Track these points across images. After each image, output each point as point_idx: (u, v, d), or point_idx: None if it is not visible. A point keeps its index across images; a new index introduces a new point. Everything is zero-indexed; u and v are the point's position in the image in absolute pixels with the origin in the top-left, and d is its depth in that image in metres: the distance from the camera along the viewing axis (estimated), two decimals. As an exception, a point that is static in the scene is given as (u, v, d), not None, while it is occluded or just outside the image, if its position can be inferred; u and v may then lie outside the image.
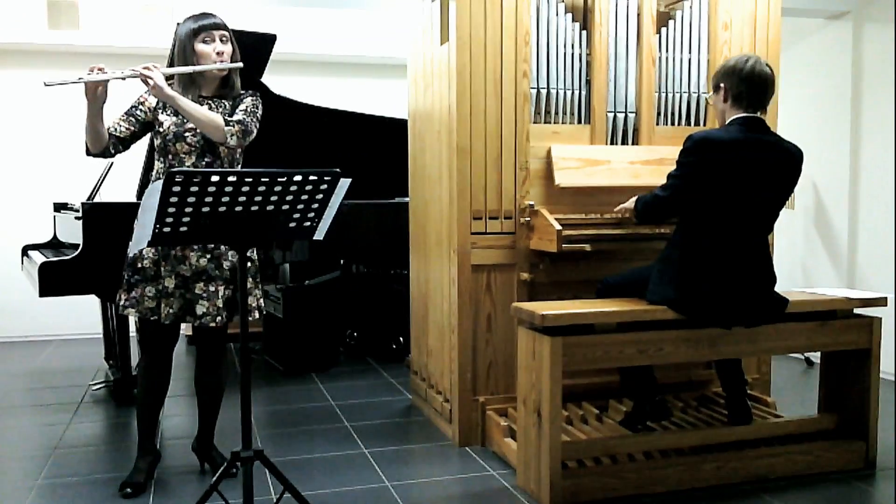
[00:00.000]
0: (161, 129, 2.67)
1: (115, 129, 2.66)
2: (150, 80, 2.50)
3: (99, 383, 4.24)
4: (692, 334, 2.70)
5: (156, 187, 1.94)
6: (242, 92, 2.78)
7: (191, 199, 1.97)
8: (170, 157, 2.68)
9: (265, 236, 2.17)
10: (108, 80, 2.48)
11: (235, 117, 2.66)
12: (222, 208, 2.03)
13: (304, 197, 2.11)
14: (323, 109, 4.83)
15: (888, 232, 4.34)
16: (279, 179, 2.03)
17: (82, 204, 3.57)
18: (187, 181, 1.93)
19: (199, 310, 2.63)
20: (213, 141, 2.64)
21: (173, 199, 1.95)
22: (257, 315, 2.75)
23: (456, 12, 3.08)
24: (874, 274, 4.48)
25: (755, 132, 2.64)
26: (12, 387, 4.47)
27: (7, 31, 5.50)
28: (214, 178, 1.95)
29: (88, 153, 2.66)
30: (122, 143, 2.68)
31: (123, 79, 2.50)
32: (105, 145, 2.62)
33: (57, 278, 3.48)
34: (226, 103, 2.73)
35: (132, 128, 2.69)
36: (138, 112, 2.70)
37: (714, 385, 3.46)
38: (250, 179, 1.99)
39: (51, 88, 2.53)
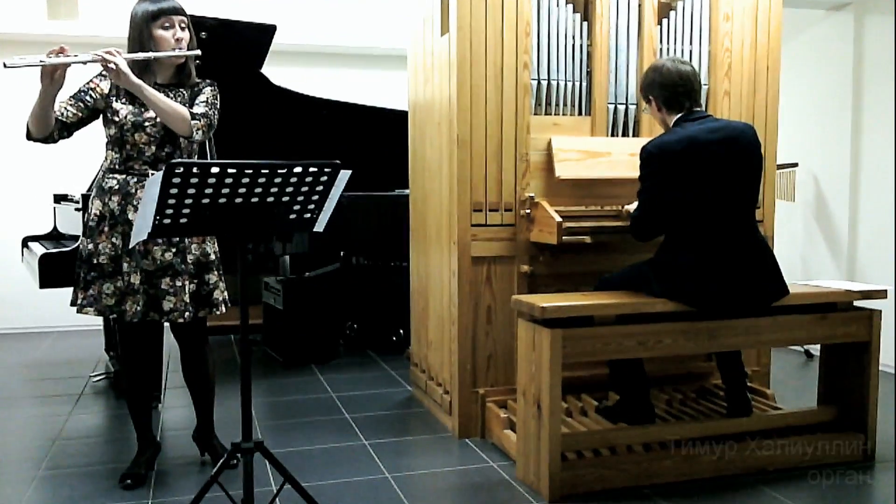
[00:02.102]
0: (116, 118, 2.55)
1: (62, 114, 2.50)
2: (113, 66, 2.38)
3: (99, 375, 4.24)
4: (692, 326, 2.70)
5: (156, 178, 1.93)
6: (198, 81, 2.68)
7: (191, 191, 1.97)
8: (127, 147, 2.57)
9: (265, 228, 2.16)
10: (69, 64, 2.35)
11: (198, 110, 2.57)
12: (222, 200, 2.02)
13: (305, 189, 2.11)
14: (323, 101, 4.83)
15: (888, 224, 4.34)
16: (279, 171, 2.02)
17: (82, 195, 3.57)
18: (187, 172, 1.92)
19: (167, 305, 2.56)
20: (172, 131, 2.56)
21: (173, 191, 1.95)
22: (224, 309, 2.70)
23: (457, 3, 3.06)
24: (874, 266, 4.48)
25: (701, 123, 2.72)
26: (13, 378, 4.48)
27: (6, 21, 5.47)
28: (214, 170, 1.95)
29: (30, 138, 2.51)
30: (67, 129, 2.54)
31: (85, 63, 2.38)
32: (50, 130, 2.49)
33: (57, 270, 3.47)
34: (183, 92, 2.64)
35: (80, 113, 2.54)
36: (87, 97, 2.55)
37: (714, 377, 3.47)
38: (250, 171, 1.98)
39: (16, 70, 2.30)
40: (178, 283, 2.58)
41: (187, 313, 2.59)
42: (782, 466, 2.82)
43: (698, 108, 2.79)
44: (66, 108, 2.52)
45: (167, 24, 2.55)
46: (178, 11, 2.58)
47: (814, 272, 4.87)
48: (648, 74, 2.84)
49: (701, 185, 2.65)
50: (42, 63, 2.29)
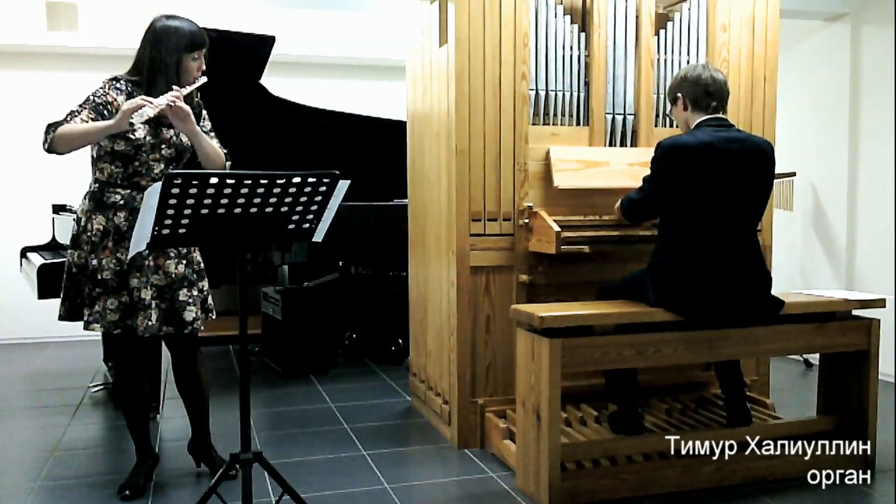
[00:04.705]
0: (132, 137, 2.53)
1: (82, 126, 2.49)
2: (183, 114, 2.47)
3: (98, 385, 4.23)
4: (690, 336, 2.70)
5: (154, 189, 1.93)
6: (197, 101, 2.74)
7: (190, 201, 1.97)
8: (136, 164, 2.57)
9: (264, 238, 2.17)
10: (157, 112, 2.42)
11: (217, 143, 2.69)
12: (221, 210, 2.02)
13: (303, 199, 2.11)
14: (322, 111, 4.84)
15: (887, 233, 4.34)
16: (278, 181, 2.03)
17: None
18: (186, 183, 1.92)
19: (189, 316, 2.60)
20: (182, 152, 2.64)
21: (172, 201, 1.95)
22: (214, 316, 2.74)
23: (455, 14, 3.08)
24: (873, 275, 4.48)
25: (722, 131, 2.70)
26: (11, 389, 4.47)
27: (6, 33, 5.49)
28: (213, 180, 1.95)
29: (52, 151, 2.48)
30: None
31: (163, 107, 2.43)
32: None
33: (56, 280, 3.46)
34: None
35: None
36: (105, 112, 2.53)
37: (713, 387, 3.46)
38: (249, 181, 1.99)
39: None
40: (195, 293, 2.63)
41: (203, 320, 2.66)
42: (782, 476, 2.82)
43: (723, 117, 2.76)
44: (85, 122, 2.50)
45: (197, 56, 2.62)
46: (207, 43, 2.65)
47: (812, 281, 4.87)
48: (679, 75, 2.83)
49: (708, 191, 2.65)
50: (149, 116, 2.39)
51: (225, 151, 2.71)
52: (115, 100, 2.55)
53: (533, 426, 2.64)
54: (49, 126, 2.49)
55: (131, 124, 2.37)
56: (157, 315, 2.56)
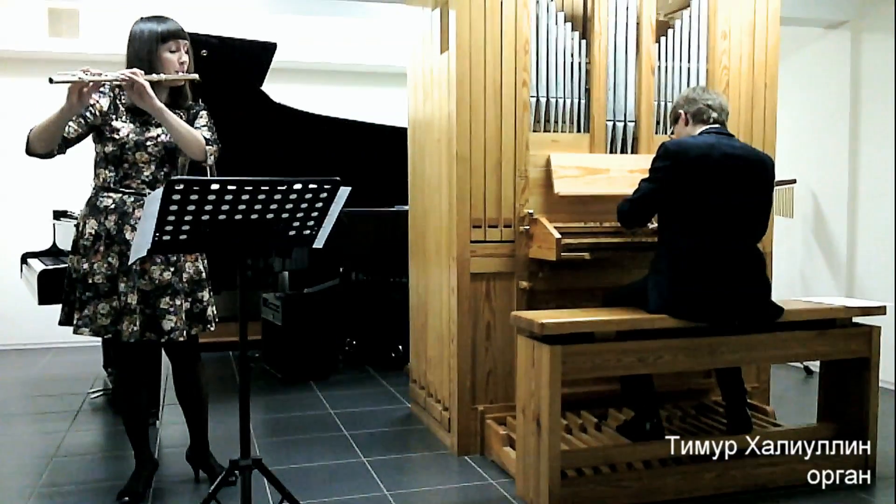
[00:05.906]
0: (116, 136, 2.54)
1: (65, 131, 2.48)
2: (138, 87, 2.41)
3: (97, 391, 4.23)
4: (691, 343, 2.70)
5: (156, 195, 1.93)
6: (192, 103, 2.70)
7: (190, 207, 1.97)
8: (125, 165, 2.56)
9: (265, 244, 2.17)
10: (101, 83, 2.39)
11: (208, 135, 2.62)
12: (222, 216, 2.03)
13: (304, 205, 2.12)
14: (323, 118, 4.84)
15: (887, 240, 4.34)
16: (279, 187, 2.03)
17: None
18: (187, 189, 1.93)
19: (167, 325, 2.55)
20: (172, 151, 2.60)
21: (173, 208, 1.95)
22: (213, 327, 2.70)
23: (456, 21, 3.09)
24: (873, 282, 4.48)
25: (725, 138, 2.77)
26: (11, 394, 4.47)
27: (8, 39, 5.50)
28: (214, 186, 1.95)
29: (30, 152, 2.49)
30: (67, 144, 2.52)
31: (112, 82, 2.41)
32: (54, 146, 2.49)
33: (56, 286, 3.47)
34: (180, 114, 2.62)
35: (80, 129, 2.52)
36: (88, 114, 2.52)
37: (714, 394, 3.46)
38: (250, 187, 1.99)
39: (53, 87, 2.30)
40: (177, 302, 2.58)
41: (185, 331, 2.60)
42: (783, 483, 2.81)
43: (724, 128, 2.84)
44: (68, 125, 2.50)
45: (174, 48, 2.58)
46: (184, 35, 2.61)
47: (812, 288, 4.86)
48: (681, 96, 2.95)
49: (709, 192, 2.66)
50: (81, 79, 2.33)
51: (211, 138, 2.61)
52: (98, 102, 2.55)
53: (533, 433, 2.63)
54: (30, 130, 2.50)
55: (56, 79, 2.28)
56: (140, 320, 2.54)
